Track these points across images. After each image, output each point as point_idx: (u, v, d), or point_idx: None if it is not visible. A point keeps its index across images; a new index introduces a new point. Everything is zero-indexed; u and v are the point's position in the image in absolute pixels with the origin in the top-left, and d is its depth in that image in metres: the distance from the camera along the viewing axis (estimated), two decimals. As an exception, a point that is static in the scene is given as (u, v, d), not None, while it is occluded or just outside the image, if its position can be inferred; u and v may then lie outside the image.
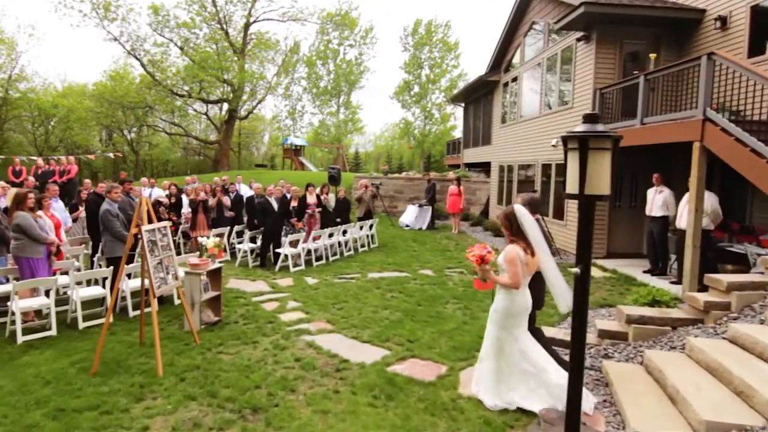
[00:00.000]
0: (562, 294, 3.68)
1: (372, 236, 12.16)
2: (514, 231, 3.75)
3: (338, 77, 38.49)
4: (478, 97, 18.66)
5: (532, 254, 3.70)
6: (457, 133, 32.43)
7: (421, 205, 15.07)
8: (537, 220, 3.91)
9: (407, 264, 9.85)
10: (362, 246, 11.66)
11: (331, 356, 5.07)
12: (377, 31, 43.39)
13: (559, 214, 11.57)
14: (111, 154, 24.60)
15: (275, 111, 42.62)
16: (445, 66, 39.88)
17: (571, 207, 10.96)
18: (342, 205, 11.65)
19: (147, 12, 24.38)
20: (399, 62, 54.23)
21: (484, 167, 18.23)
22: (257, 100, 27.97)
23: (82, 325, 5.87)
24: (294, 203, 10.22)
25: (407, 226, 14.96)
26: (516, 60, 15.10)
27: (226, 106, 27.66)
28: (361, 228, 11.63)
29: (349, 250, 11.01)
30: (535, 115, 13.11)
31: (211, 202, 10.54)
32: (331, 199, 11.40)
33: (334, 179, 14.77)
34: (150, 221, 4.96)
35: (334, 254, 10.47)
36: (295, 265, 9.31)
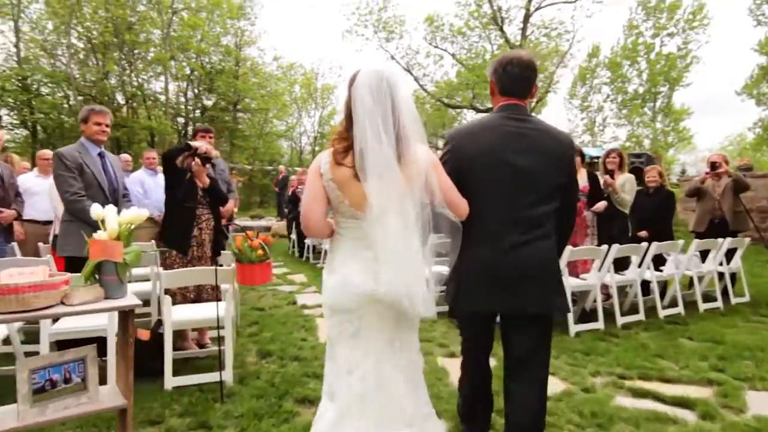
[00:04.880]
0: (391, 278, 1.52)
1: (732, 276, 5.32)
2: (345, 117, 1.64)
3: (654, 76, 29.57)
4: None
5: (356, 176, 1.59)
6: None
7: None
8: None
9: None
10: (707, 299, 5.04)
11: None
12: (709, 8, 31.01)
13: None
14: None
15: (570, 126, 36.80)
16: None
17: None
18: (657, 200, 5.34)
19: (423, 26, 23.75)
20: (748, 43, 38.06)
21: None
22: (535, 100, 23.32)
23: None
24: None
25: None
26: None
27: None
28: (704, 256, 5.06)
29: (674, 303, 4.69)
30: None
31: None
32: (626, 187, 5.28)
33: (637, 172, 8.20)
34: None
35: (631, 309, 4.43)
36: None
